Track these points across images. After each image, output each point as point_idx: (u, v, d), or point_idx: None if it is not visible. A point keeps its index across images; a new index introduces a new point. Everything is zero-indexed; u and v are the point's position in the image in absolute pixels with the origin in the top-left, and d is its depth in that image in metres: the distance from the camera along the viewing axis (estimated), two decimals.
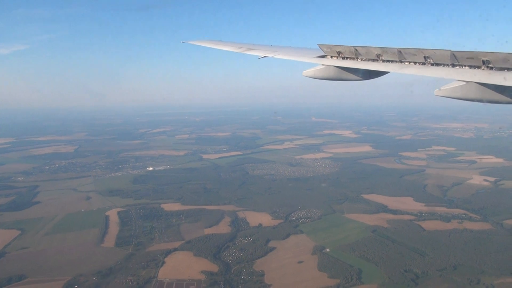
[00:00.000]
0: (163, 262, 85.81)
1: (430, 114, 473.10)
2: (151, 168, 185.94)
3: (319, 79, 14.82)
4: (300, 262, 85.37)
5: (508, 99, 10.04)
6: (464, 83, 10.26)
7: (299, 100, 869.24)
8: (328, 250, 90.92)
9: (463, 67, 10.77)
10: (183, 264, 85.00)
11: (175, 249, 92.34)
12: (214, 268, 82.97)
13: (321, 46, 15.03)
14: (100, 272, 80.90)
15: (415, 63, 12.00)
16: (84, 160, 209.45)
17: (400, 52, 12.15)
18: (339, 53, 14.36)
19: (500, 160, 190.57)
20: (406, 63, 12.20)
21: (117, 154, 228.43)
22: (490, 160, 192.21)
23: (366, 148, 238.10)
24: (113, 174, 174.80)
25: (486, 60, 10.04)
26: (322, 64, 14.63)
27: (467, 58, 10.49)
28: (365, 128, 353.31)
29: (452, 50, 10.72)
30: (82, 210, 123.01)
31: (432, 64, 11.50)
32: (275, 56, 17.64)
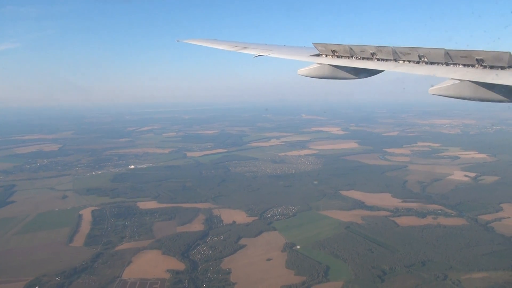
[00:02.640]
0: (130, 261, 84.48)
1: (420, 111, 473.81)
2: (132, 166, 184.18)
3: (314, 77, 14.86)
4: (268, 259, 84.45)
5: (501, 97, 10.10)
6: (458, 81, 10.28)
7: (293, 98, 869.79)
8: (298, 247, 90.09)
9: (457, 66, 10.79)
10: (150, 263, 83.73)
11: (144, 248, 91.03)
12: (181, 266, 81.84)
13: (316, 45, 14.92)
14: (64, 272, 79.30)
15: (409, 61, 12.02)
16: (67, 159, 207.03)
17: (394, 51, 12.20)
18: (333, 51, 14.37)
19: (483, 155, 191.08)
20: (401, 61, 12.25)
21: (101, 153, 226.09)
22: (473, 155, 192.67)
23: (352, 145, 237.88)
24: (93, 173, 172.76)
25: (480, 59, 10.07)
26: (317, 63, 14.64)
27: (461, 56, 10.51)
28: (353, 125, 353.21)
29: (446, 48, 10.75)
30: (56, 209, 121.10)
31: (426, 63, 11.50)
32: (270, 55, 17.71)
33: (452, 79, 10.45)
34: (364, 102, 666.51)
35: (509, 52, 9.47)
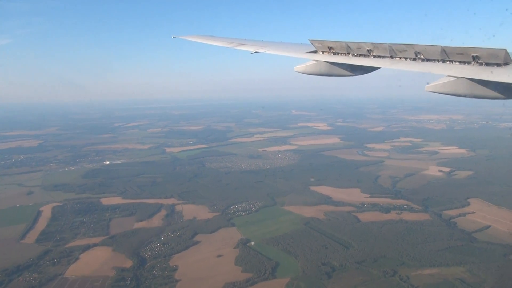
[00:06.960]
0: (77, 258, 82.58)
1: (411, 107, 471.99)
2: (107, 162, 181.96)
3: (311, 74, 14.81)
4: (219, 256, 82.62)
5: (497, 94, 10.09)
6: (454, 78, 10.26)
7: (289, 93, 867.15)
8: (253, 243, 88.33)
9: (453, 63, 10.78)
10: (97, 260, 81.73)
11: (95, 245, 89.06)
12: (128, 263, 79.94)
13: (312, 42, 14.84)
14: (6, 270, 77.19)
15: (406, 58, 11.98)
16: (44, 155, 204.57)
17: (391, 47, 12.16)
18: (330, 48, 14.34)
19: (462, 150, 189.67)
20: (397, 58, 12.23)
21: (80, 148, 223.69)
22: (452, 150, 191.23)
23: (334, 140, 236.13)
24: (66, 169, 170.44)
25: (476, 56, 10.06)
26: (314, 60, 14.55)
27: (457, 53, 10.51)
28: (341, 120, 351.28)
29: (442, 45, 10.68)
30: (17, 205, 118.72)
31: (423, 60, 11.46)
32: (267, 52, 17.75)
33: (448, 76, 10.37)
34: (359, 97, 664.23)
35: (505, 50, 9.40)
